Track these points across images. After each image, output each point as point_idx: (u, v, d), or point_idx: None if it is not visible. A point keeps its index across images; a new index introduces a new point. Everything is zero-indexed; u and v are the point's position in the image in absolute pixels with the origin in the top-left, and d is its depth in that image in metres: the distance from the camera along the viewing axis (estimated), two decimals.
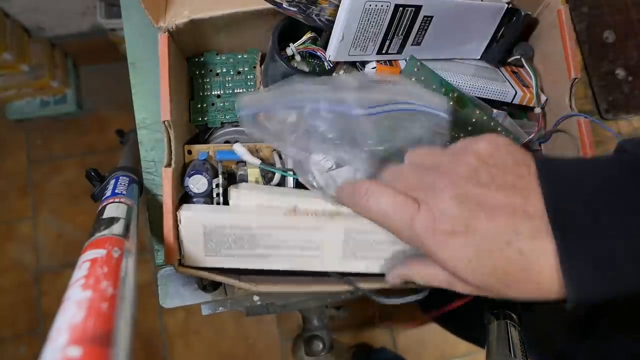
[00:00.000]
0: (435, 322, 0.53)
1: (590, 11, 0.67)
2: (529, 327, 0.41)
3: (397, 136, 0.35)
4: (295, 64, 0.44)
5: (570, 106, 0.44)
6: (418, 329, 1.23)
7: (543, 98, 0.46)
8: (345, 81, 0.38)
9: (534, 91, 0.46)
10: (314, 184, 0.38)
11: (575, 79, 0.43)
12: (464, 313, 0.44)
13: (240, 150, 0.43)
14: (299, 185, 0.44)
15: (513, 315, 0.52)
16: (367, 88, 0.36)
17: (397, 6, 0.38)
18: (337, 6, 0.38)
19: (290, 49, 0.43)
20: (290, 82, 0.38)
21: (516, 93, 0.46)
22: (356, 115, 0.34)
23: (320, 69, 0.45)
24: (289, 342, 1.21)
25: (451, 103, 0.41)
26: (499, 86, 0.45)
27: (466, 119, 0.43)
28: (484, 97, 0.45)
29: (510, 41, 0.47)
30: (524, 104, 0.46)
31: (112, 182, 0.42)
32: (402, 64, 0.43)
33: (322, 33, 0.44)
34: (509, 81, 0.47)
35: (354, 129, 0.34)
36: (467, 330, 0.55)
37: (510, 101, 0.46)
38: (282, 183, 0.43)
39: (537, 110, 0.46)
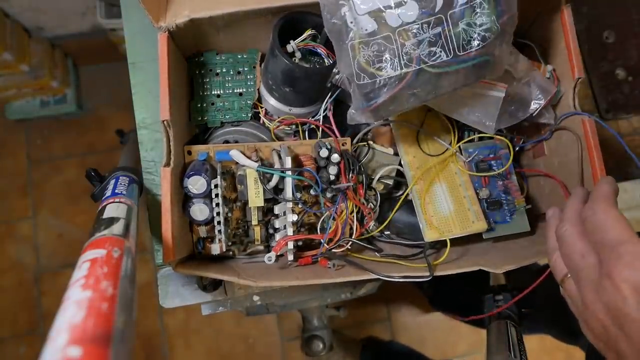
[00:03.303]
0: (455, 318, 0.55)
1: (590, 11, 0.67)
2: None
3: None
4: (296, 61, 0.44)
5: (574, 106, 0.44)
6: (418, 329, 1.23)
7: (549, 67, 0.46)
8: None
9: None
10: None
11: (578, 78, 0.43)
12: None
13: (236, 155, 0.43)
14: (297, 185, 0.44)
15: (513, 315, 0.52)
16: None
17: None
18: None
19: (291, 46, 0.43)
20: None
21: None
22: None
23: (320, 66, 0.45)
24: (289, 342, 1.21)
25: None
26: None
27: None
28: None
29: None
30: None
31: (112, 182, 0.42)
32: None
33: (322, 31, 0.44)
34: None
35: None
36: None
37: None
38: (280, 183, 0.43)
39: (548, 72, 0.46)
